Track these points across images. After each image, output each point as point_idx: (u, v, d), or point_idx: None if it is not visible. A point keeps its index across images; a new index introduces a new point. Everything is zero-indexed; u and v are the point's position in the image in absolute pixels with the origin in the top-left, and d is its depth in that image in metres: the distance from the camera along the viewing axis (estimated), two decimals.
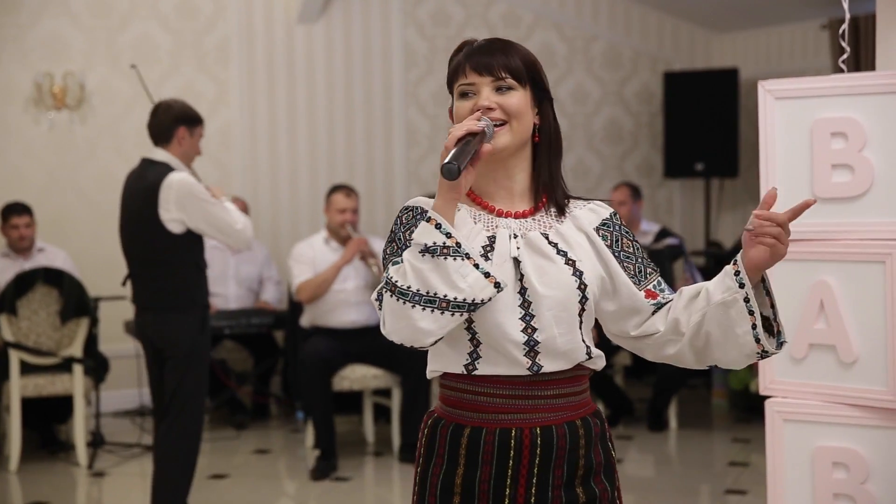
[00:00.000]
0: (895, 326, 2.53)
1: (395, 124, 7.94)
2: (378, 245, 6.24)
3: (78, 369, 5.94)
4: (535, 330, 2.04)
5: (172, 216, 4.37)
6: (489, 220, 2.12)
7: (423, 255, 1.97)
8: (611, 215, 2.17)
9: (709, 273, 7.58)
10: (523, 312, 2.04)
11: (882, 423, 2.57)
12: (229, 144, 7.52)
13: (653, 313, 2.14)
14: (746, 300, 2.02)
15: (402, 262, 2.00)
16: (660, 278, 2.18)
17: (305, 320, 6.14)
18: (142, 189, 4.42)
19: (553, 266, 2.06)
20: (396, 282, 1.98)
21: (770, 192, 2.04)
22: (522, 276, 2.05)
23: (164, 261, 4.44)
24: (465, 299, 1.96)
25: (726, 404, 7.06)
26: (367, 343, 6.02)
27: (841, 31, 2.80)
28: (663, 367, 2.19)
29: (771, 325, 2.08)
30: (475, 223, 2.10)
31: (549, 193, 2.14)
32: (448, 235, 1.97)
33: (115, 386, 6.91)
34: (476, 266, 1.98)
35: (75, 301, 6.08)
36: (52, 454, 6.23)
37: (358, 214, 6.16)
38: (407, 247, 2.04)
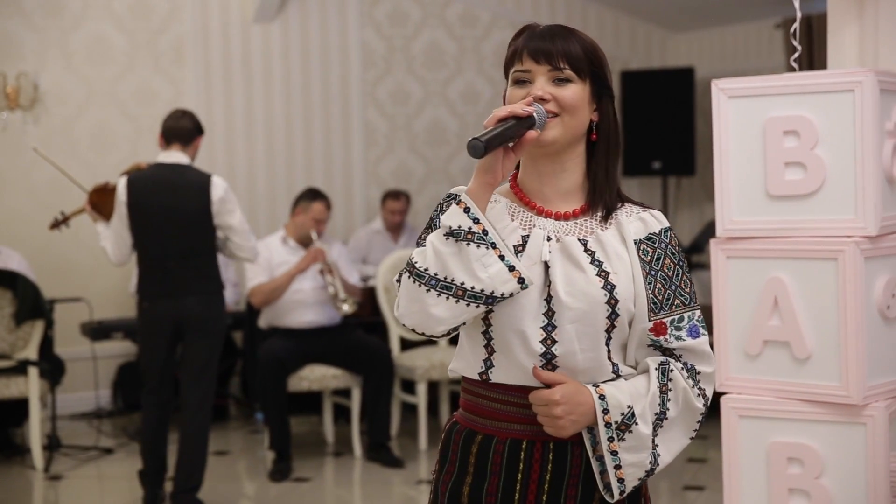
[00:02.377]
0: (848, 322, 2.55)
1: (353, 124, 7.93)
2: (336, 249, 6.23)
3: (33, 372, 5.88)
4: (554, 342, 1.91)
5: (216, 210, 4.96)
6: (528, 218, 1.98)
7: (447, 239, 1.86)
8: (661, 231, 1.99)
9: None
10: (546, 322, 1.91)
11: (835, 419, 2.60)
12: None
13: (647, 346, 1.98)
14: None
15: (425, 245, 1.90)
16: (687, 315, 1.98)
17: (263, 321, 6.11)
18: (189, 187, 4.95)
19: (582, 276, 1.91)
20: (416, 263, 1.88)
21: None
22: (550, 282, 1.91)
23: (208, 250, 5.02)
24: (482, 290, 1.85)
25: None
26: (325, 343, 6.01)
27: (792, 30, 2.83)
28: None
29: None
30: (512, 220, 1.98)
31: (599, 196, 1.99)
32: (476, 221, 1.86)
33: (71, 389, 6.85)
34: (501, 258, 1.86)
35: (30, 303, 6.01)
36: (7, 458, 6.17)
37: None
38: None
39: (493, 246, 1.86)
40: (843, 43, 2.91)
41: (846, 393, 2.57)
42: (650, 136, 8.19)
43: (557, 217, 1.98)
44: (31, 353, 5.93)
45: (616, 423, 1.91)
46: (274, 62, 7.70)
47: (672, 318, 1.96)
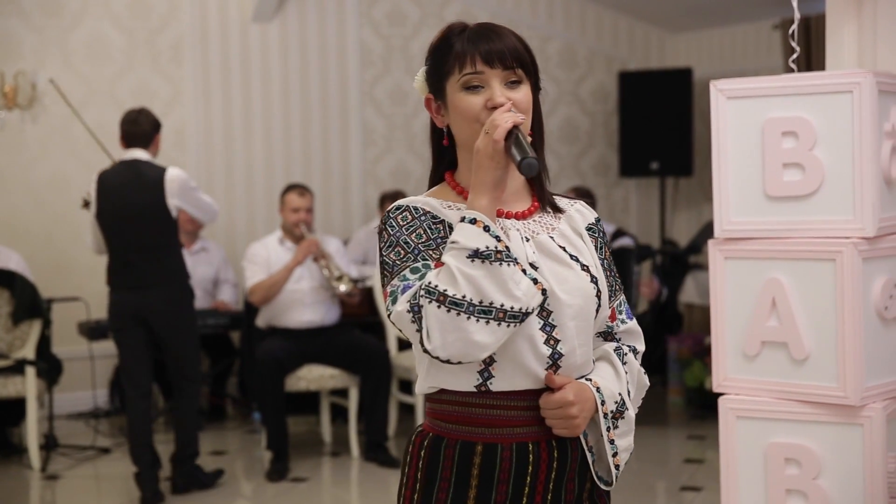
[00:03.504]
0: (845, 323, 2.55)
1: (351, 124, 7.93)
2: (333, 245, 6.22)
3: (31, 371, 5.87)
4: (557, 342, 1.90)
5: (175, 203, 5.17)
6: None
7: (473, 261, 1.78)
8: (596, 220, 2.04)
9: (665, 270, 7.64)
10: (542, 323, 1.89)
11: (833, 419, 2.60)
12: (184, 144, 7.47)
13: (597, 335, 2.03)
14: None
15: (422, 269, 1.84)
16: (622, 299, 2.06)
17: (261, 321, 6.11)
18: (144, 182, 5.16)
19: (571, 272, 1.92)
20: (446, 290, 1.78)
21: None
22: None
23: (166, 243, 5.22)
24: (521, 308, 1.80)
25: (682, 402, 7.12)
26: (323, 343, 6.00)
27: (791, 31, 2.83)
28: None
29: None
30: None
31: (540, 191, 2.00)
32: (498, 239, 1.80)
33: (68, 388, 6.85)
34: (524, 272, 1.82)
35: (28, 303, 6.01)
36: (4, 457, 6.17)
37: (312, 214, 6.14)
38: (421, 251, 1.86)
39: (517, 262, 1.82)
40: (841, 44, 2.91)
41: (844, 394, 2.57)
42: (648, 136, 8.20)
43: (518, 217, 1.97)
44: (29, 352, 5.93)
45: (612, 412, 1.96)
46: (272, 62, 7.70)
47: (616, 303, 2.05)
